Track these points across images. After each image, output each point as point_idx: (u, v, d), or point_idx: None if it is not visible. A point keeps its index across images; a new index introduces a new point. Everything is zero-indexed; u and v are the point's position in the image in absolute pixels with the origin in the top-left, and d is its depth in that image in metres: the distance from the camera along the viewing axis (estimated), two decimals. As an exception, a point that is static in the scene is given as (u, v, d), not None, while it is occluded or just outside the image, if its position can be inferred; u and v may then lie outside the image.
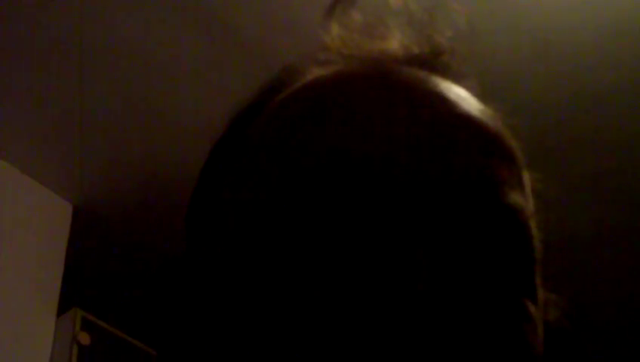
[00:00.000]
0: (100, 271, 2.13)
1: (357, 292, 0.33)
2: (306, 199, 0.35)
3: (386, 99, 0.38)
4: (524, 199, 0.38)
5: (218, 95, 1.70)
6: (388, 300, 0.32)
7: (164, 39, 1.65)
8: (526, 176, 0.40)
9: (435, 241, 0.34)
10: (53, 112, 1.78)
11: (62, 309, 1.86)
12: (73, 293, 1.91)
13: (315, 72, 0.43)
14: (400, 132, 0.36)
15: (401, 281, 0.32)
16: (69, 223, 1.96)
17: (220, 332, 0.37)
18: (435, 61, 0.43)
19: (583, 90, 1.76)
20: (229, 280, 0.37)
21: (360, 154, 0.35)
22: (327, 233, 0.35)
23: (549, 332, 0.38)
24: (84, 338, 1.85)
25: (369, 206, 0.35)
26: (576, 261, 2.10)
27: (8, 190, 1.85)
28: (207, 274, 0.40)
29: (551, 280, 0.41)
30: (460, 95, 0.40)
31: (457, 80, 0.42)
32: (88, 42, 1.64)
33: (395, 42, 0.44)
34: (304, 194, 0.35)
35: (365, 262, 0.34)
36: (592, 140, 1.86)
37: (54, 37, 1.63)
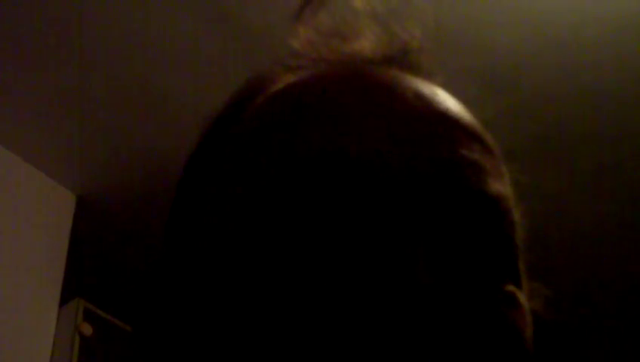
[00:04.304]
0: (102, 262, 2.13)
1: (358, 290, 0.33)
2: (295, 198, 0.35)
3: (365, 99, 0.39)
4: (505, 188, 0.39)
5: (222, 85, 1.69)
6: (393, 295, 0.32)
7: (167, 28, 1.65)
8: (504, 167, 0.41)
9: (431, 236, 0.34)
10: (57, 102, 1.78)
11: (64, 300, 1.86)
12: (76, 284, 1.91)
13: (286, 79, 0.43)
14: (381, 130, 0.37)
15: (405, 276, 0.33)
16: (72, 213, 1.96)
17: (210, 330, 0.37)
18: (405, 60, 0.44)
19: (587, 85, 1.75)
20: (215, 278, 0.37)
21: (346, 153, 0.36)
22: (316, 233, 0.35)
23: (536, 320, 0.39)
24: (87, 329, 1.85)
25: (361, 204, 0.35)
26: (579, 255, 2.10)
27: (12, 179, 1.85)
28: (191, 273, 0.39)
29: (550, 274, 0.41)
30: (434, 91, 0.40)
31: (428, 77, 0.42)
32: (91, 31, 1.64)
33: (366, 43, 0.44)
34: (293, 194, 0.35)
35: (364, 259, 0.34)
36: (596, 135, 1.85)
37: (57, 26, 1.63)
